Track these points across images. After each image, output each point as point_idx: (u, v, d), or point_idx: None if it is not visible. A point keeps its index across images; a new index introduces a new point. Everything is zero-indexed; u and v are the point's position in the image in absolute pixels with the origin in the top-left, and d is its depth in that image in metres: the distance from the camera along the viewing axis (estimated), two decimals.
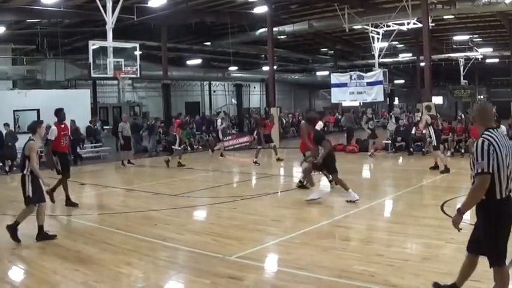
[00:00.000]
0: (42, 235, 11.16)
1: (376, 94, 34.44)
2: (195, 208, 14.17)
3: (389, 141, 29.16)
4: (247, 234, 11.26)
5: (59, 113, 15.61)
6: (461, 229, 6.42)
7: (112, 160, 28.51)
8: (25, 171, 11.16)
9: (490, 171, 5.95)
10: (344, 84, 35.61)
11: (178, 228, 11.99)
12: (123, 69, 23.51)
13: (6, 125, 26.04)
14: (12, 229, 10.97)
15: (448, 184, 17.29)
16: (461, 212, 6.42)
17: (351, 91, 35.32)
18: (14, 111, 29.30)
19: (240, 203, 14.89)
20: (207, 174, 22.37)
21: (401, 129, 29.43)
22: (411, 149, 27.62)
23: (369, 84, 34.48)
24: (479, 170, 6.01)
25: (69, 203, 14.99)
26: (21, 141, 27.04)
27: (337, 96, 36.84)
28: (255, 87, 63.75)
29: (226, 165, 26.04)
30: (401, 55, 55.37)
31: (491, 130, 6.15)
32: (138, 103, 50.72)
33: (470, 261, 6.82)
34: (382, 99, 37.58)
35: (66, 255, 9.92)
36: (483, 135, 6.13)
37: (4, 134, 25.60)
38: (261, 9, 34.71)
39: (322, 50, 60.01)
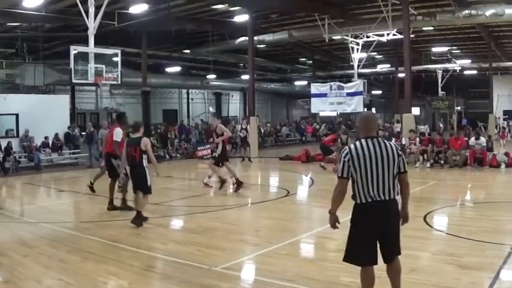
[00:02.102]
0: (140, 218, 12.71)
1: (356, 105, 34.78)
2: (177, 217, 14.05)
3: None
4: (231, 244, 11.19)
5: (122, 117, 16.31)
6: (337, 227, 6.88)
7: (90, 167, 28.24)
8: (145, 164, 12.68)
9: (344, 176, 6.62)
10: (324, 95, 35.95)
11: (162, 237, 11.91)
12: (104, 75, 23.37)
13: None
14: (139, 218, 12.65)
15: (428, 195, 17.30)
16: (330, 212, 6.89)
17: (331, 101, 35.67)
18: None
19: (221, 213, 14.76)
20: (185, 182, 22.14)
21: None
22: None
23: (349, 94, 34.85)
24: (337, 174, 6.76)
25: (112, 207, 15.04)
26: None
27: (317, 106, 37.10)
28: (232, 96, 63.79)
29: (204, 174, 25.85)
30: (379, 66, 55.61)
31: (363, 140, 6.66)
32: (116, 109, 50.47)
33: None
34: (362, 110, 37.73)
35: (49, 264, 9.80)
36: (351, 144, 6.76)
37: None
38: (241, 18, 34.77)
39: (301, 59, 60.15)
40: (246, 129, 32.09)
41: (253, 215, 15.07)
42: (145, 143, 12.67)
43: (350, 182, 6.66)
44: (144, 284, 8.73)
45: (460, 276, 8.54)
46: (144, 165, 12.61)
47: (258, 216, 14.69)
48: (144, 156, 12.65)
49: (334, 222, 6.86)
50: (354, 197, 6.67)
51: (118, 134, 15.01)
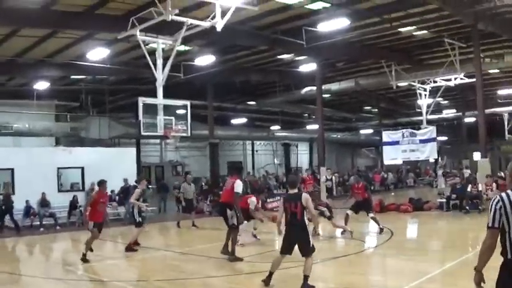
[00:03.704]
0: (308, 286, 11.21)
1: (430, 152, 33.93)
2: (259, 274, 13.07)
3: (444, 200, 28.28)
4: None
5: (241, 169, 17.00)
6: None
7: (157, 221, 27.75)
8: (305, 221, 11.54)
9: (495, 225, 5.93)
10: (396, 142, 35.14)
11: None
12: (173, 127, 23.01)
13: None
14: (307, 284, 11.24)
15: None
16: (476, 269, 6.09)
17: (404, 149, 34.83)
18: (58, 168, 29.06)
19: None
20: (261, 236, 21.19)
21: (458, 187, 28.69)
22: (467, 207, 26.56)
23: (422, 141, 34.01)
24: (487, 224, 6.03)
25: (224, 251, 15.27)
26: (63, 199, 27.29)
27: (390, 154, 36.33)
28: (297, 146, 63.40)
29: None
30: (444, 111, 54.66)
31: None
32: (181, 162, 50.33)
33: None
34: (436, 157, 36.82)
35: None
36: (500, 194, 6.04)
37: None
38: (308, 68, 34.43)
39: (366, 108, 59.63)
40: (331, 179, 31.44)
41: (339, 270, 14.10)
42: (306, 198, 11.69)
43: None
44: None
45: None
46: (306, 223, 11.60)
47: (343, 272, 13.72)
48: (305, 213, 11.61)
49: (479, 281, 6.03)
50: (503, 251, 5.90)
51: (239, 186, 15.49)
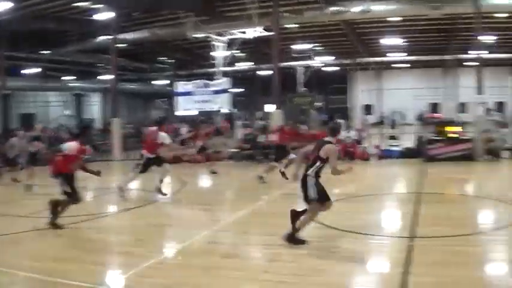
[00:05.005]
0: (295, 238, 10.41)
1: (222, 103, 34.25)
2: (48, 230, 12.72)
3: (237, 150, 28.81)
4: (114, 258, 10.45)
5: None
6: None
7: None
8: (311, 171, 10.48)
9: None
10: (189, 93, 35.22)
11: (33, 254, 10.65)
12: None
13: None
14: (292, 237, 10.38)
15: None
16: None
17: (197, 100, 34.98)
18: None
19: (95, 222, 13.71)
20: (48, 190, 20.40)
21: (249, 137, 29.28)
22: (258, 157, 27.30)
23: (215, 92, 34.29)
24: None
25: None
26: None
27: (183, 105, 36.37)
28: (90, 97, 62.25)
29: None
30: (239, 64, 55.45)
31: None
32: None
33: None
34: (229, 108, 37.28)
35: None
36: None
37: None
38: (103, 16, 33.53)
39: (161, 58, 59.26)
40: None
41: (134, 222, 14.02)
42: (327, 149, 10.39)
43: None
44: None
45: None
46: (311, 171, 10.42)
47: (137, 224, 13.60)
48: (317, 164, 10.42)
49: None
50: None
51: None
